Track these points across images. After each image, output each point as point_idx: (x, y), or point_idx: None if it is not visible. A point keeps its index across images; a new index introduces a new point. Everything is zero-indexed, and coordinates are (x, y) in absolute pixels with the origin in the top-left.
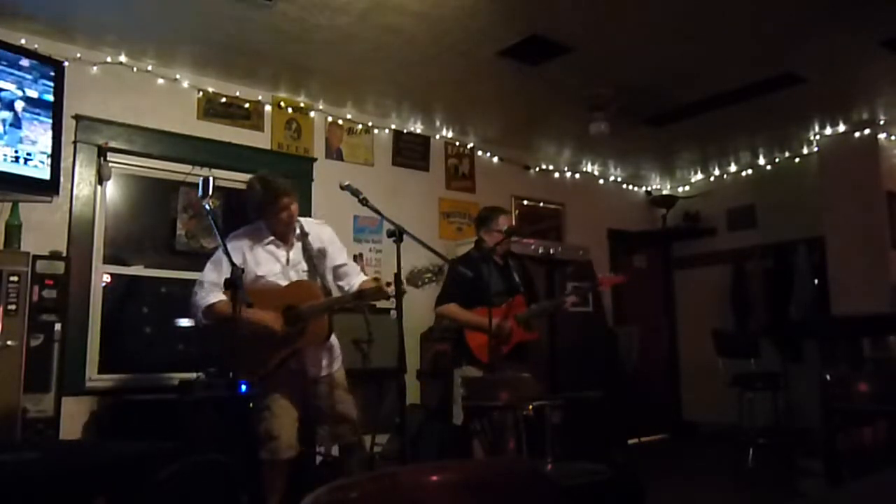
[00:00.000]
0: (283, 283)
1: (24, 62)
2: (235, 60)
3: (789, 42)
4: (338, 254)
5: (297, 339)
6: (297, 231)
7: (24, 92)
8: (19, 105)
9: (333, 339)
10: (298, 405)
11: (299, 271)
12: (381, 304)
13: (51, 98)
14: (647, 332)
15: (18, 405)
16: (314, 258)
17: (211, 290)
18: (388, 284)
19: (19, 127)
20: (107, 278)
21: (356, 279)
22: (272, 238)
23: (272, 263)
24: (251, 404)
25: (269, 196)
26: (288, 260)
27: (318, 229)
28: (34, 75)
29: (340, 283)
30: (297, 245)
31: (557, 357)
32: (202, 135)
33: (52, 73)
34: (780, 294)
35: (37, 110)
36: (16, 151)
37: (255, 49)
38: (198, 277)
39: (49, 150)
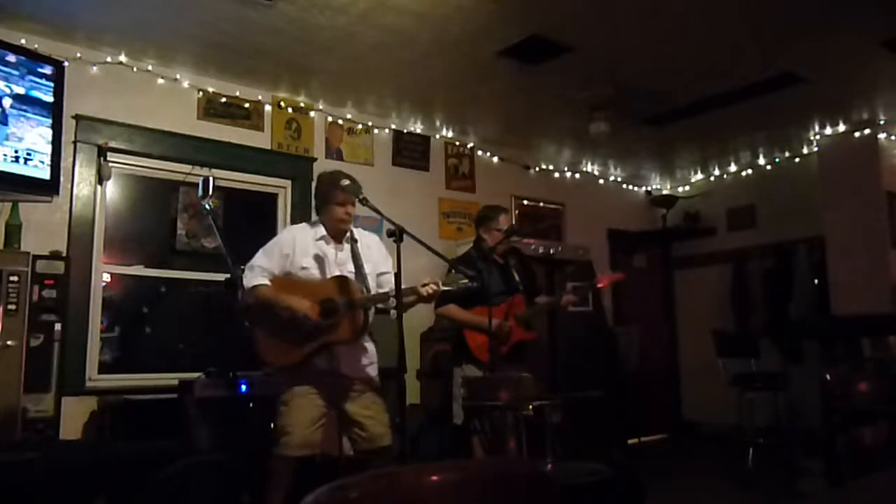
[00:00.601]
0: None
1: (11, 58)
2: (235, 60)
3: (789, 42)
4: (383, 262)
5: (328, 332)
6: (347, 235)
7: (10, 89)
8: (6, 102)
9: (371, 345)
10: (325, 405)
11: (344, 272)
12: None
13: (39, 95)
14: (647, 332)
15: (18, 405)
16: (359, 262)
17: (260, 273)
18: (424, 285)
19: (5, 124)
20: (107, 278)
21: None
22: (324, 234)
23: (319, 258)
24: (250, 404)
25: (327, 186)
26: (336, 258)
27: (366, 237)
28: (21, 71)
29: (381, 291)
30: (347, 247)
31: (557, 357)
32: (202, 135)
33: (43, 70)
34: (780, 294)
35: (24, 107)
36: (15, 151)
37: (255, 49)
38: (249, 262)
39: (37, 148)
